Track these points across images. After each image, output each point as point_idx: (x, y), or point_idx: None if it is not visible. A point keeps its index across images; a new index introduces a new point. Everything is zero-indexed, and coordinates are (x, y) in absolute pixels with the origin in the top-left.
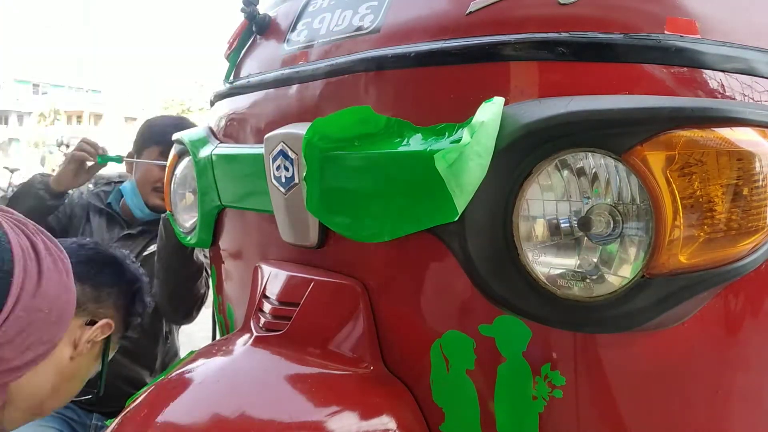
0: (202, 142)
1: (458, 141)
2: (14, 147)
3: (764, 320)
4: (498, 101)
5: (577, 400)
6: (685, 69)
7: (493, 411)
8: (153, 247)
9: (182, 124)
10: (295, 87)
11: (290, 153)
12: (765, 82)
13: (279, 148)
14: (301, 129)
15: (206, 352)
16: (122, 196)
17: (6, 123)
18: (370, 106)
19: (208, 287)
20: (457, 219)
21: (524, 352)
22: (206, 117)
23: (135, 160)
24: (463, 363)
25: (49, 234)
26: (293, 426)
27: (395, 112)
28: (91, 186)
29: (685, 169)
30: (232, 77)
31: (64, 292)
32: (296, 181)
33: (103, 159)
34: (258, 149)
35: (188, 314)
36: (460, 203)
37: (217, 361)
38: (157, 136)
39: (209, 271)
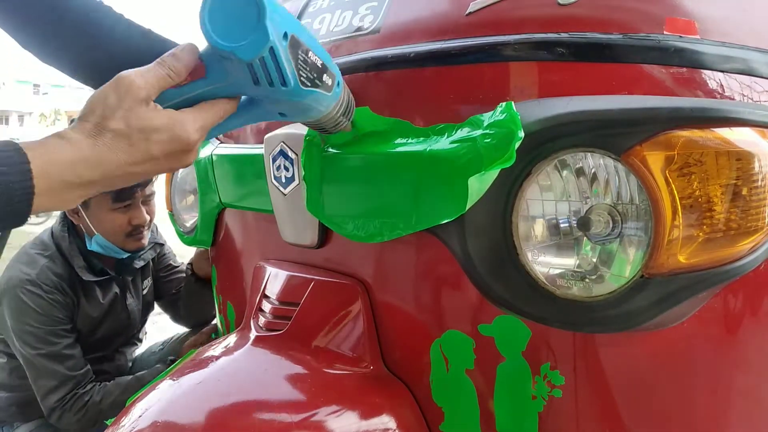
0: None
1: (458, 141)
2: None
3: (763, 320)
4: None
5: (577, 399)
6: (684, 69)
7: (493, 410)
8: (147, 282)
9: None
10: None
11: (290, 153)
12: (764, 82)
13: (279, 148)
14: (301, 129)
15: (206, 352)
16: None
17: (7, 123)
18: (368, 108)
19: None
20: (456, 219)
21: (524, 351)
22: None
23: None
24: (463, 363)
25: None
26: (293, 426)
27: (395, 112)
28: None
29: (684, 169)
30: None
31: None
32: (296, 181)
33: None
34: (258, 149)
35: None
36: (468, 205)
37: (218, 360)
38: None
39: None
